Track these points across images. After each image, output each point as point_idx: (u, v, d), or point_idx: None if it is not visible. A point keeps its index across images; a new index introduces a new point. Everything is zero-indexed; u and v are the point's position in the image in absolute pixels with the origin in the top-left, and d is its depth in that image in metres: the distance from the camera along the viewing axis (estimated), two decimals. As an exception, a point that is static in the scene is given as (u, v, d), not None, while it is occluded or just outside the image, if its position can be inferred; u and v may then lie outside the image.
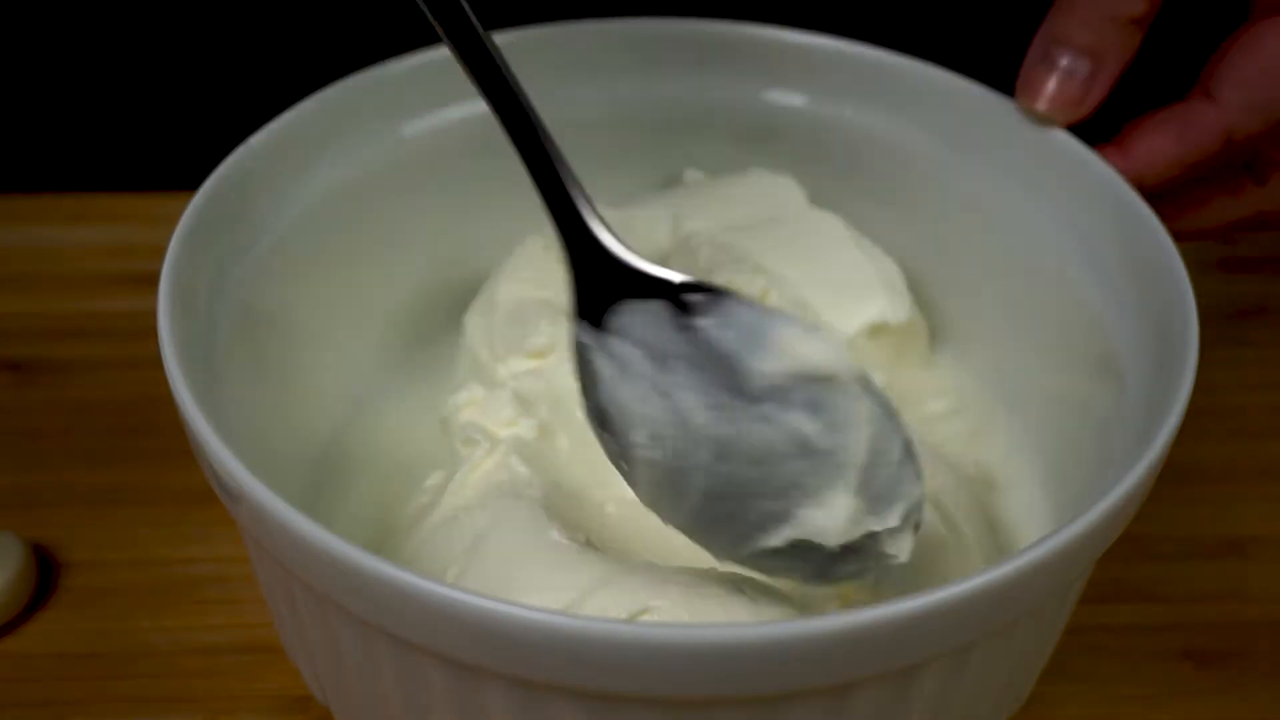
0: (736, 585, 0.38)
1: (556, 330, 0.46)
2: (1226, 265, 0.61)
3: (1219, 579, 0.50)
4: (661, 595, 0.37)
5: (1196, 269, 0.42)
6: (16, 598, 0.47)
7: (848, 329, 0.48)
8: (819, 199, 0.52)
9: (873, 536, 0.38)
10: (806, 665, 0.32)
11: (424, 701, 0.36)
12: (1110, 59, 0.45)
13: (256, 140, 0.45)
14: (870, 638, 0.32)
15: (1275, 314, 0.60)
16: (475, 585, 0.39)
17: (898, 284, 0.49)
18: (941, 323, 0.52)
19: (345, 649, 0.37)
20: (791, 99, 0.52)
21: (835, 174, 0.52)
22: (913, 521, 0.38)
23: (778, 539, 0.37)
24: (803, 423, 0.37)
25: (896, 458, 0.37)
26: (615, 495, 0.44)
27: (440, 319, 0.51)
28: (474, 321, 0.49)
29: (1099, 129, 0.47)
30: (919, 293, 0.51)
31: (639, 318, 0.38)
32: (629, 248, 0.39)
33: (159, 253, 0.40)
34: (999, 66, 0.48)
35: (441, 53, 0.49)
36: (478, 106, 0.50)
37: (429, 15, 0.40)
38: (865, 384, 0.37)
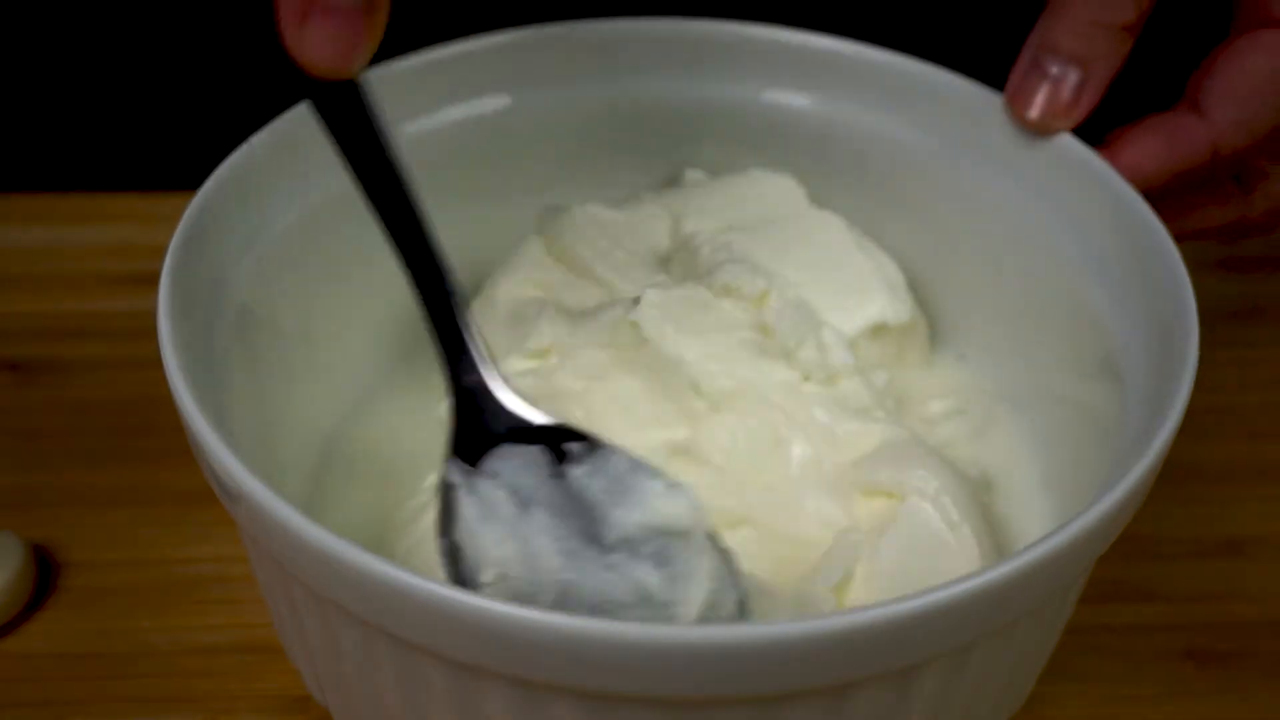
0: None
1: (556, 330, 0.46)
2: (1226, 265, 0.61)
3: (1219, 579, 0.50)
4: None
5: (1196, 269, 0.42)
6: (16, 598, 0.47)
7: (848, 329, 0.48)
8: (819, 199, 0.52)
9: None
10: (806, 665, 0.32)
11: (423, 701, 0.36)
12: (1100, 66, 0.45)
13: (257, 140, 0.45)
14: (870, 638, 0.32)
15: (1275, 314, 0.60)
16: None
17: (898, 284, 0.49)
18: (941, 323, 0.52)
19: (345, 649, 0.37)
20: (791, 99, 0.52)
21: (836, 174, 0.52)
22: None
23: None
24: (647, 574, 0.38)
25: (729, 612, 0.38)
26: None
27: (440, 319, 0.51)
28: (474, 321, 0.49)
29: (1087, 136, 0.46)
30: (919, 293, 0.51)
31: (514, 462, 0.39)
32: (515, 391, 0.40)
33: (159, 253, 0.40)
34: (999, 66, 0.48)
35: (441, 52, 0.49)
36: (478, 107, 0.51)
37: (330, 138, 0.39)
38: (714, 540, 0.39)
